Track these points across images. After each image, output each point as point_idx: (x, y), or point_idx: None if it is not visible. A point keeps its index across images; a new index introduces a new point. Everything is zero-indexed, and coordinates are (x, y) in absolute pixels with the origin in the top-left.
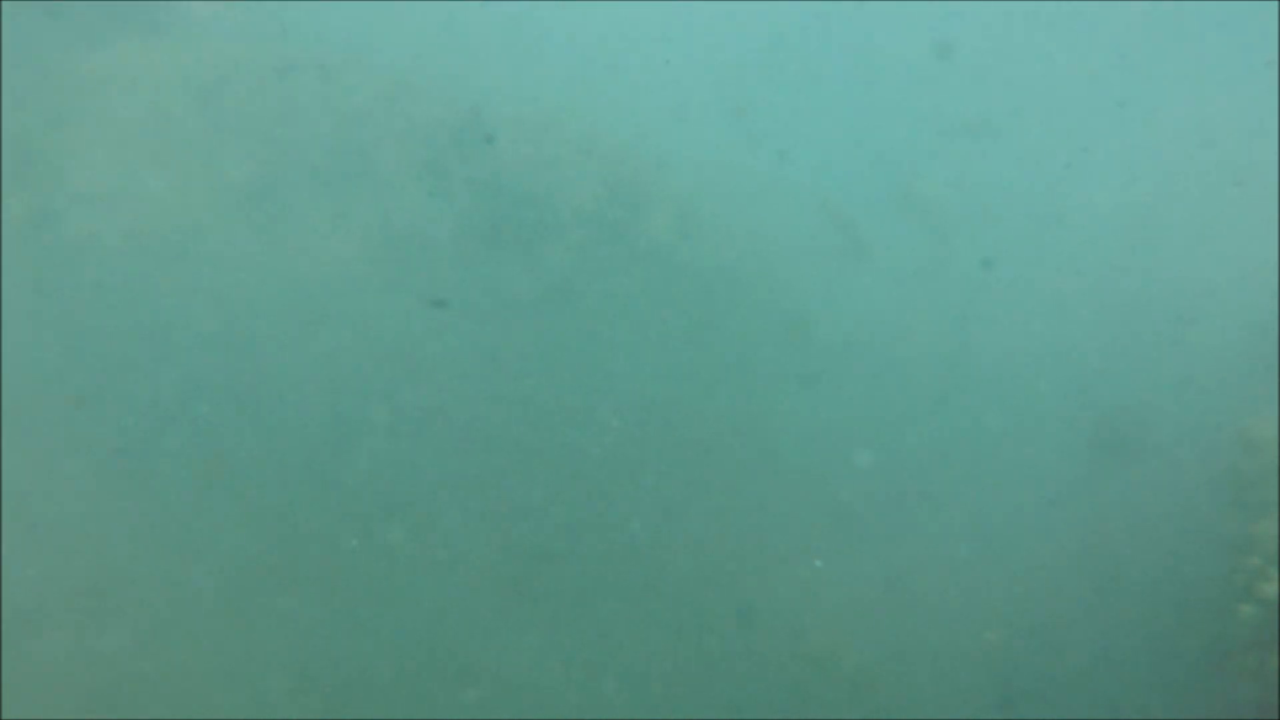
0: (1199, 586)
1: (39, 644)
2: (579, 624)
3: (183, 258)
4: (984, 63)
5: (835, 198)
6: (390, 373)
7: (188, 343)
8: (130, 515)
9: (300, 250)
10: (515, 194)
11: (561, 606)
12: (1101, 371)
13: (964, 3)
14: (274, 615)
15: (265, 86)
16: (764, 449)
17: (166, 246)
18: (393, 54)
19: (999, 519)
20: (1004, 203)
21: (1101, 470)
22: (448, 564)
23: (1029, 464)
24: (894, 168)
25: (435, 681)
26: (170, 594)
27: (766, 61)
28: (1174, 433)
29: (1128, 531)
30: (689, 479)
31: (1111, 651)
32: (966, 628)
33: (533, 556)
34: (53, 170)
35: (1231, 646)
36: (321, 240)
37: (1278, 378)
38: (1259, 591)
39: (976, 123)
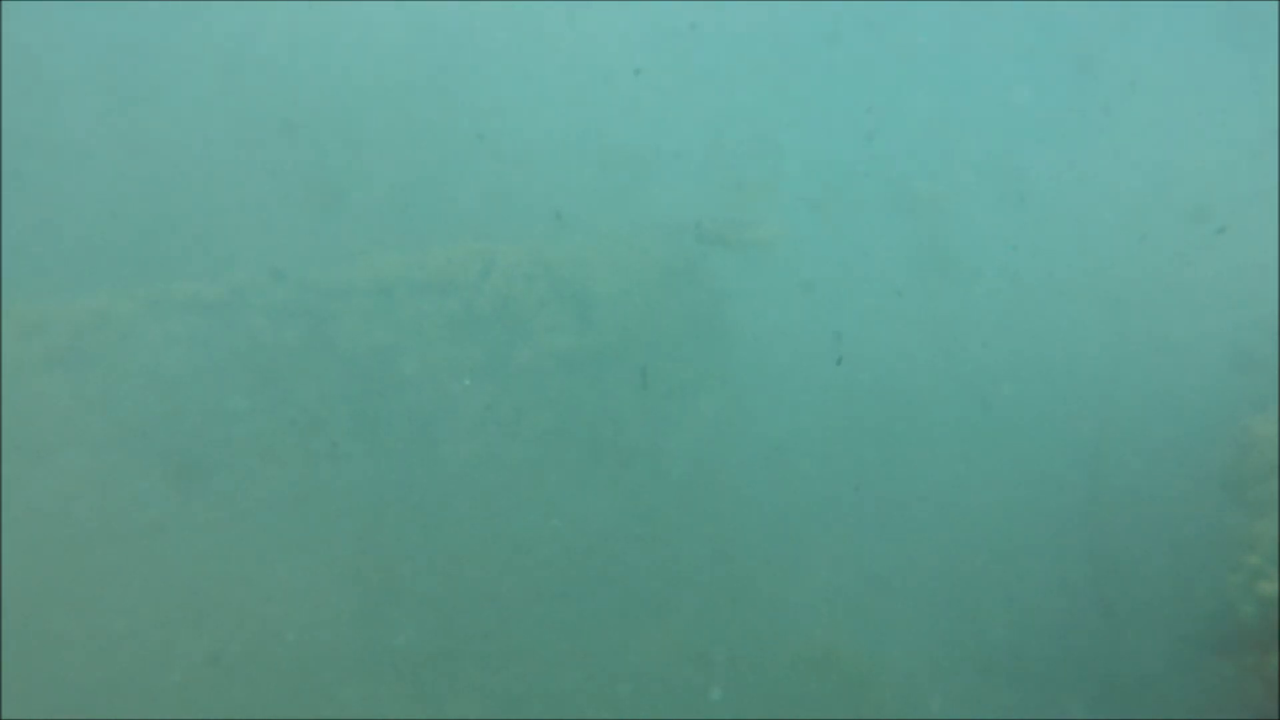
0: (1199, 586)
1: None
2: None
3: None
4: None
5: None
6: None
7: None
8: None
9: None
10: None
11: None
12: (1102, 370)
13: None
14: None
15: None
16: None
17: None
18: None
19: (999, 518)
20: (1005, 203)
21: (1101, 469)
22: None
23: (1029, 463)
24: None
25: None
26: None
27: None
28: (1174, 432)
29: (1128, 530)
30: None
31: (1111, 650)
32: (966, 627)
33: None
34: None
35: (1231, 646)
36: None
37: (1278, 378)
38: (1259, 591)
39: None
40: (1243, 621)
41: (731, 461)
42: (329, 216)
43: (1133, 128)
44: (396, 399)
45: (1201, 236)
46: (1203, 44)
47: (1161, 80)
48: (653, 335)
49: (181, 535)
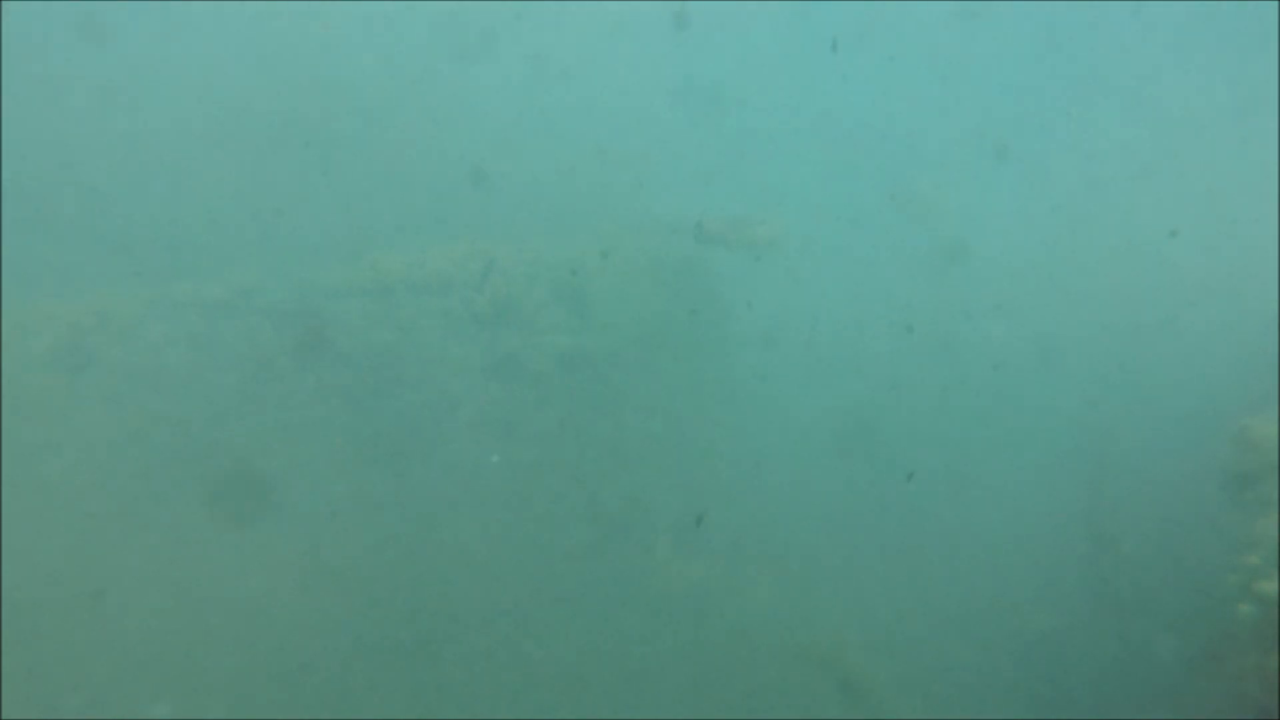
0: (1199, 586)
1: None
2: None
3: None
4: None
5: None
6: None
7: None
8: None
9: None
10: None
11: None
12: (1102, 370)
13: None
14: None
15: None
16: None
17: None
18: None
19: (999, 518)
20: (1006, 206)
21: (1101, 469)
22: None
23: (1029, 463)
24: None
25: None
26: None
27: None
28: (1174, 432)
29: (1128, 530)
30: None
31: (1111, 651)
32: (966, 627)
33: None
34: None
35: (1231, 646)
36: None
37: (1278, 378)
38: (1258, 590)
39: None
40: (1242, 621)
41: (731, 462)
42: (329, 216)
43: (1129, 124)
44: (396, 399)
45: (1201, 234)
46: (1199, 37)
47: (1165, 77)
48: (652, 335)
49: (181, 536)
